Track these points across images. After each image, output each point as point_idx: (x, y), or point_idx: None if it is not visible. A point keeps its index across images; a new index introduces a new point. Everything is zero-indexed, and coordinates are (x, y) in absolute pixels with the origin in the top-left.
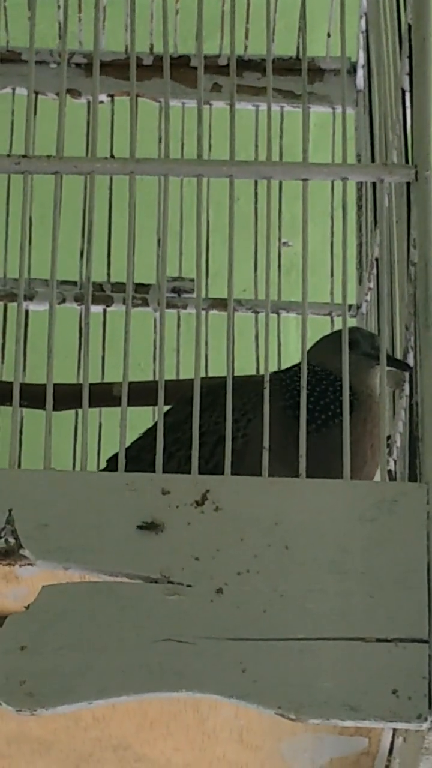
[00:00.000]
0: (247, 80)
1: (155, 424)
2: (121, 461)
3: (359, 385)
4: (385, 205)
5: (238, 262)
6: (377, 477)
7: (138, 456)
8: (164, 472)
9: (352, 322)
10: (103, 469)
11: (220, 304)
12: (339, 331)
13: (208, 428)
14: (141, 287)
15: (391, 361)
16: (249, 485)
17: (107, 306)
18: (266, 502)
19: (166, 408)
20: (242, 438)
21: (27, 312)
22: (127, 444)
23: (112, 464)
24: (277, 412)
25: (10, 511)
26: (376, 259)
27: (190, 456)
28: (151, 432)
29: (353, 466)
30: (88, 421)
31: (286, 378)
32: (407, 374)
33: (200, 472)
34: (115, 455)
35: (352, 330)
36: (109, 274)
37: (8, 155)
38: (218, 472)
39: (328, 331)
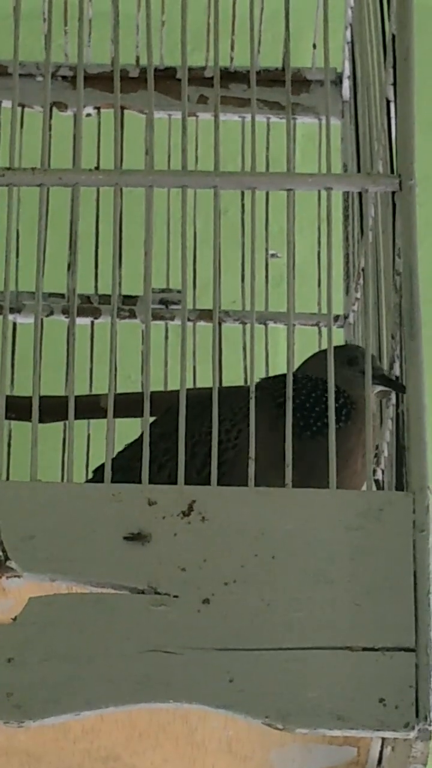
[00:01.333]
0: (233, 92)
1: (142, 434)
2: (108, 473)
3: (357, 397)
4: (371, 215)
5: (227, 273)
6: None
7: (128, 466)
8: (155, 482)
9: (339, 333)
10: (90, 480)
11: (208, 315)
12: (340, 346)
13: (199, 438)
14: (128, 299)
15: (388, 381)
16: (235, 496)
17: (95, 318)
18: (252, 513)
19: (151, 419)
20: (233, 449)
21: (15, 325)
22: (115, 455)
23: (98, 474)
24: (270, 421)
25: None
26: (363, 269)
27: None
28: (139, 442)
29: (345, 474)
30: (75, 433)
31: (275, 387)
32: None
33: (192, 482)
34: (102, 465)
35: (354, 347)
36: (96, 287)
37: None
38: (210, 482)
39: (315, 342)
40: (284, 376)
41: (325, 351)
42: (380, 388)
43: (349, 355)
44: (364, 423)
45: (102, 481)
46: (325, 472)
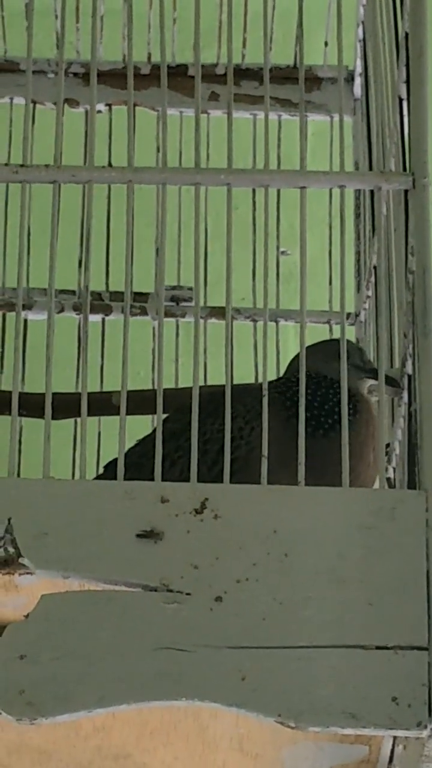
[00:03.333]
0: (244, 89)
1: (154, 431)
2: (120, 470)
3: (355, 390)
4: (383, 213)
5: (237, 270)
6: (376, 484)
7: (139, 462)
8: (167, 478)
9: (350, 331)
10: (100, 475)
11: (219, 312)
12: (327, 341)
13: (211, 435)
14: (140, 296)
15: (376, 372)
16: (248, 493)
17: (106, 315)
18: (265, 510)
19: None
20: (246, 446)
21: (26, 321)
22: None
23: (109, 469)
24: (282, 420)
25: (9, 520)
26: (375, 267)
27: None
28: (151, 439)
29: (360, 468)
30: (87, 430)
31: (283, 386)
32: (406, 382)
33: (203, 479)
34: (113, 461)
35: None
36: (107, 283)
37: (6, 164)
38: (221, 479)
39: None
40: (285, 378)
41: (313, 346)
42: (371, 381)
43: (338, 349)
44: (370, 413)
45: (112, 477)
46: (340, 469)
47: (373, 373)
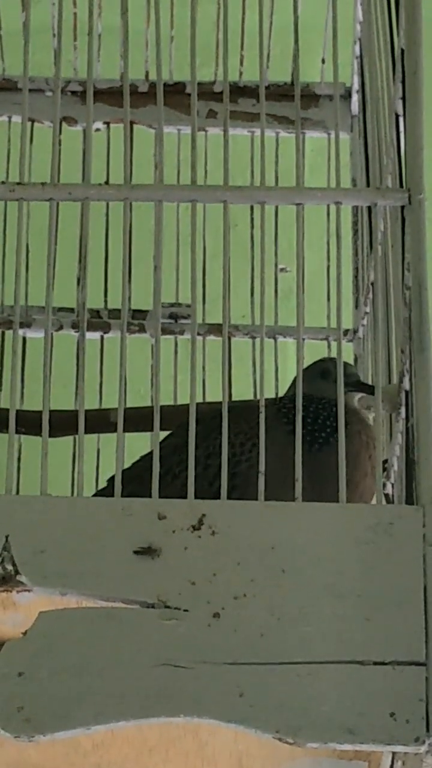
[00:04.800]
0: (242, 106)
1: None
2: (118, 486)
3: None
4: (380, 229)
5: (236, 287)
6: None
7: (140, 476)
8: (169, 492)
9: (348, 347)
10: (102, 489)
11: (218, 329)
12: (312, 363)
13: (213, 450)
14: (138, 313)
15: (362, 387)
16: (245, 509)
17: (105, 332)
18: (262, 526)
19: (163, 433)
20: (246, 462)
21: (24, 339)
22: (128, 466)
23: (111, 484)
24: (283, 437)
25: (7, 537)
26: (372, 283)
27: (195, 477)
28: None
29: (359, 477)
30: (85, 448)
31: (281, 404)
32: (403, 398)
33: (204, 495)
34: (128, 468)
35: (324, 360)
36: (106, 301)
37: (3, 182)
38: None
39: (325, 355)
40: (288, 396)
41: (305, 368)
42: (360, 395)
43: (321, 368)
44: (362, 424)
45: (113, 491)
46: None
47: (357, 386)
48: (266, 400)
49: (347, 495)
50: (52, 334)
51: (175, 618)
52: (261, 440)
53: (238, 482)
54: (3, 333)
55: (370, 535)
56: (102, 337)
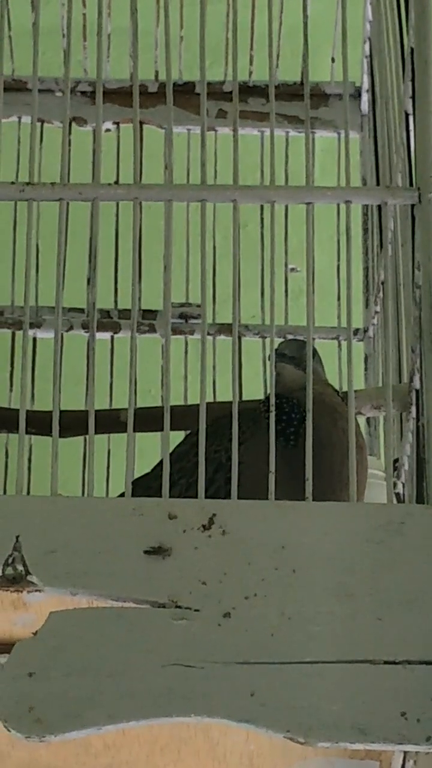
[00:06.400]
0: (251, 106)
1: (176, 448)
2: (128, 487)
3: (297, 391)
4: (390, 228)
5: (246, 287)
6: (384, 499)
7: (149, 485)
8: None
9: (359, 347)
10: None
11: (228, 329)
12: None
13: (207, 457)
14: (148, 313)
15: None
16: (256, 509)
17: (115, 333)
18: (273, 526)
19: (173, 434)
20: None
21: (35, 339)
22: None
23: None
24: (264, 437)
25: (17, 537)
26: (382, 283)
27: (191, 483)
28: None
29: (337, 460)
30: (96, 448)
31: (262, 405)
32: (414, 397)
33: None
34: (140, 477)
35: (280, 345)
36: (116, 301)
37: (13, 183)
38: (217, 498)
39: (335, 355)
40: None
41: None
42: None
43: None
44: (332, 412)
45: (143, 492)
46: (321, 473)
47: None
48: (254, 401)
49: (330, 484)
50: (62, 334)
51: (186, 618)
52: (271, 438)
53: (220, 485)
54: (13, 333)
55: (381, 534)
56: (112, 337)
